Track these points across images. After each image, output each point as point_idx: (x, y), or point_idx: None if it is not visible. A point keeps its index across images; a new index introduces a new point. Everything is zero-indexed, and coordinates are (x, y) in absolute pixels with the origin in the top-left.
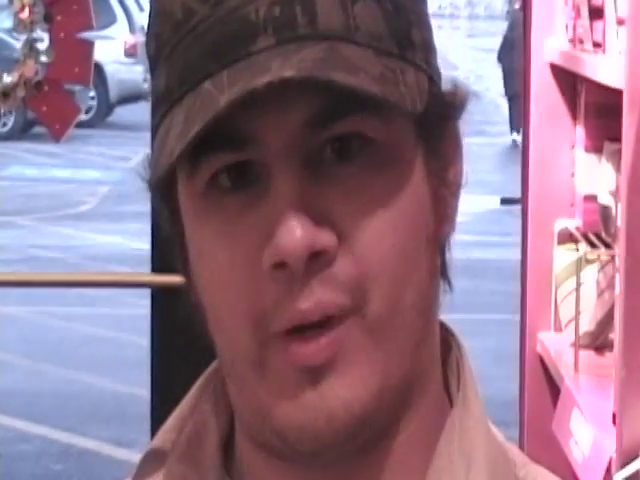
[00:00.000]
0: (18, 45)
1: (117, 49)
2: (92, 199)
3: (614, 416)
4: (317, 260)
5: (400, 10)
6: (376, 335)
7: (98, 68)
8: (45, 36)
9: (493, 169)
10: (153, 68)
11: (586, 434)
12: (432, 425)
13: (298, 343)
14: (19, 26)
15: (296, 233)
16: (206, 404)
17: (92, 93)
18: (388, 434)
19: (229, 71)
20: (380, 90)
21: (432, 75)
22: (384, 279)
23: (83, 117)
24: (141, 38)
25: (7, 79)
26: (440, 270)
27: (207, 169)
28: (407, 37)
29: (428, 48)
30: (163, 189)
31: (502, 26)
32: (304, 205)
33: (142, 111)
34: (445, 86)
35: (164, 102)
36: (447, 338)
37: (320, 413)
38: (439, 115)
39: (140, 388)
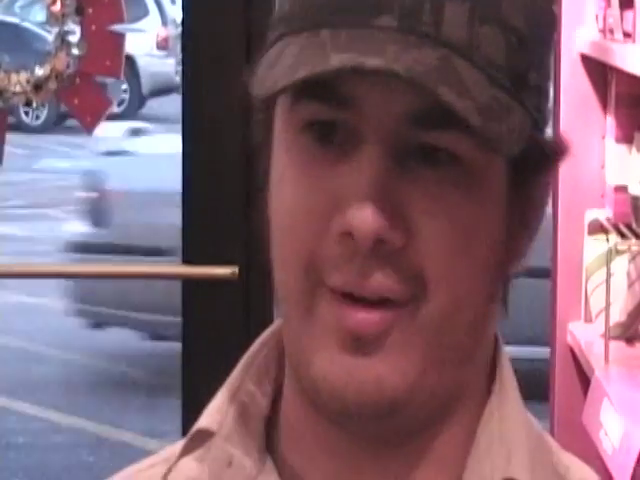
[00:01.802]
0: (50, 38)
1: (149, 42)
2: None
3: None
4: (382, 246)
5: (523, 48)
6: (425, 334)
7: (130, 61)
8: (77, 29)
9: None
10: None
11: (616, 425)
12: (472, 428)
13: (350, 307)
14: (51, 19)
15: (369, 216)
16: (250, 384)
17: (124, 86)
18: (426, 432)
19: (348, 33)
20: (481, 122)
21: (538, 122)
22: (444, 285)
23: (115, 109)
24: (173, 31)
25: (39, 72)
26: (500, 299)
27: (304, 113)
28: (523, 76)
29: (541, 94)
30: (262, 105)
31: None
32: (384, 192)
33: (174, 104)
34: (547, 136)
35: (283, 24)
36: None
37: (351, 380)
38: (534, 162)
39: (173, 379)
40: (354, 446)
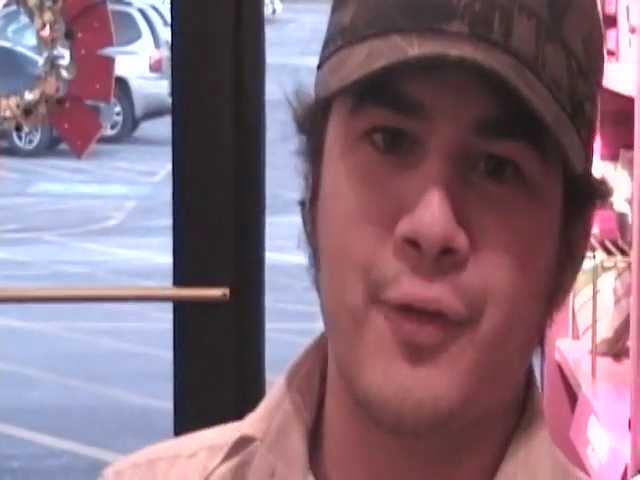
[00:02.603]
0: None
1: (142, 64)
2: (118, 214)
3: (630, 422)
4: (447, 257)
5: (582, 75)
6: (479, 352)
7: (123, 83)
8: (66, 53)
9: None
10: (341, 0)
11: (603, 441)
12: (498, 455)
13: (406, 318)
14: (41, 43)
15: (438, 219)
16: (295, 394)
17: (117, 108)
18: (464, 450)
19: (419, 35)
20: (555, 127)
21: (589, 156)
22: (502, 304)
23: (109, 132)
24: (166, 53)
25: (29, 96)
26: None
27: (367, 119)
28: (581, 104)
29: (592, 130)
30: (314, 119)
31: None
32: (451, 196)
33: (167, 126)
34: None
35: (343, 36)
36: (530, 371)
37: (409, 395)
38: (585, 196)
39: (168, 402)
40: (395, 467)
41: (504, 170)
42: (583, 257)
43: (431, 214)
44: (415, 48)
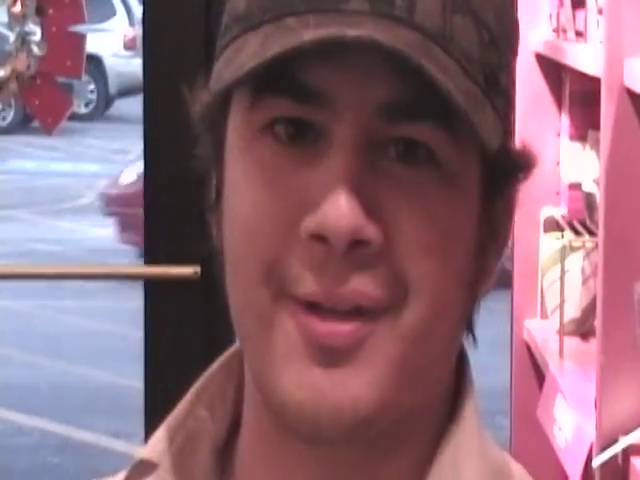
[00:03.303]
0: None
1: (116, 42)
2: (91, 192)
3: (595, 402)
4: (359, 249)
5: (494, 46)
6: (402, 345)
7: (97, 61)
8: (37, 30)
9: None
10: None
11: (569, 420)
12: (429, 453)
13: (316, 317)
14: (11, 20)
15: (345, 213)
16: (202, 410)
17: (91, 86)
18: (390, 452)
19: (315, 16)
20: (464, 104)
21: (507, 128)
22: (426, 288)
23: (83, 110)
24: (140, 31)
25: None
26: (467, 322)
27: (267, 110)
28: (495, 75)
29: (508, 99)
30: (214, 111)
31: None
32: (358, 186)
33: (142, 104)
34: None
35: (238, 24)
36: (462, 365)
37: (325, 399)
38: (504, 172)
39: (137, 380)
40: (314, 476)
41: (415, 153)
42: (506, 236)
43: (337, 208)
44: (310, 31)
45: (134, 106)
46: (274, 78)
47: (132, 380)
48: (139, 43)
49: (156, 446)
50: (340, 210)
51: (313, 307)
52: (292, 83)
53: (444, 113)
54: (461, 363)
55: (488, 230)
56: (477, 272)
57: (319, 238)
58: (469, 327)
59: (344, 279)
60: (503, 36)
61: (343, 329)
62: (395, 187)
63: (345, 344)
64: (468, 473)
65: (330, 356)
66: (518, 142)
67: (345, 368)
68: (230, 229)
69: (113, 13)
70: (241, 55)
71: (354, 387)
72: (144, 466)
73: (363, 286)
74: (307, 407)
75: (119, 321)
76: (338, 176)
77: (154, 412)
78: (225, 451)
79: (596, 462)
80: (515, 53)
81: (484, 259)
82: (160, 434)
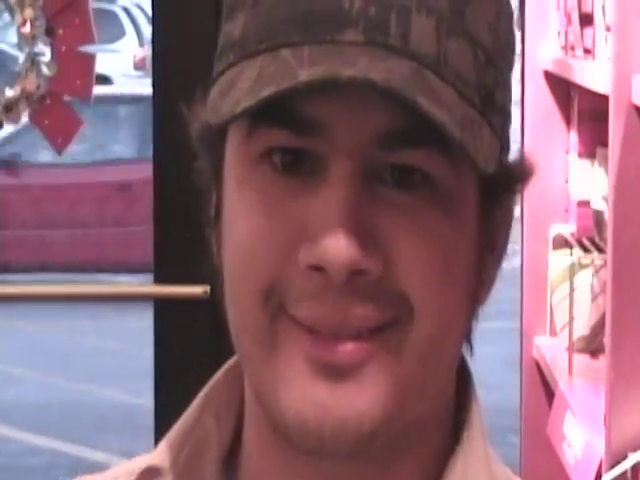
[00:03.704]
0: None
1: (126, 62)
2: None
3: (605, 418)
4: (359, 277)
5: (490, 64)
6: (408, 363)
7: (107, 81)
8: (47, 50)
9: None
10: (230, 10)
11: (578, 437)
12: (433, 464)
13: (317, 341)
14: (21, 40)
15: (344, 248)
16: (209, 418)
17: None
18: (393, 467)
19: (311, 49)
20: (460, 135)
21: (503, 144)
22: (430, 309)
23: None
24: (149, 51)
25: (9, 93)
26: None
27: (264, 140)
28: (491, 94)
29: (505, 115)
30: (211, 140)
31: None
32: (356, 218)
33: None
34: (511, 158)
35: (234, 50)
36: (464, 376)
37: (329, 415)
38: (501, 185)
39: (149, 399)
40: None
41: (412, 178)
42: (505, 244)
43: (336, 243)
44: (305, 70)
45: None
46: (270, 109)
47: (144, 399)
48: (149, 63)
49: (164, 453)
50: (339, 245)
51: (313, 331)
52: (289, 115)
53: (440, 139)
54: (462, 373)
55: (486, 241)
56: (477, 283)
57: (317, 269)
58: (467, 336)
59: (345, 307)
60: (499, 52)
61: (346, 348)
62: (393, 213)
63: (349, 362)
64: None
65: (334, 373)
66: (517, 152)
67: (349, 384)
68: (228, 253)
69: (123, 33)
70: (236, 89)
71: (359, 403)
72: (152, 473)
73: (365, 312)
74: (311, 423)
75: (131, 340)
76: (336, 208)
77: (164, 430)
78: (230, 459)
79: (605, 479)
80: (511, 66)
81: (484, 271)
82: (168, 441)
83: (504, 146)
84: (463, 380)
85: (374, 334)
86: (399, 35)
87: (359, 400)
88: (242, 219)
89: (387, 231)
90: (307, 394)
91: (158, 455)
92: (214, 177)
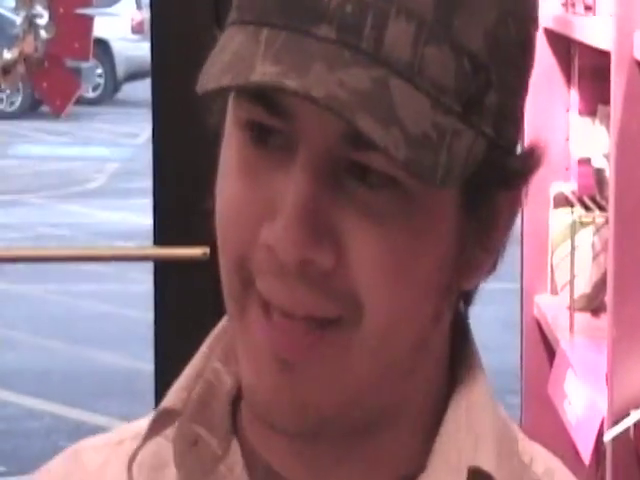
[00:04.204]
0: (19, 22)
1: (124, 26)
2: (100, 176)
3: (606, 376)
4: (310, 267)
5: (479, 71)
6: (359, 356)
7: (105, 45)
8: (45, 12)
9: None
10: None
11: (580, 395)
12: (435, 420)
13: (277, 321)
14: (19, 3)
15: (293, 237)
16: (216, 362)
17: (99, 70)
18: (380, 431)
19: (286, 38)
20: (408, 154)
21: (498, 143)
22: (379, 308)
23: (91, 94)
24: (147, 15)
25: (7, 55)
26: (456, 320)
27: (245, 111)
28: (477, 99)
29: (503, 115)
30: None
31: None
32: (312, 209)
33: (149, 88)
34: (510, 154)
35: (236, 11)
36: (462, 328)
37: (277, 400)
38: (490, 184)
39: (149, 363)
40: (304, 447)
41: (374, 177)
42: (501, 241)
43: (285, 231)
44: (264, 66)
45: (142, 90)
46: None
47: (144, 363)
48: (146, 27)
49: (177, 395)
50: (288, 233)
51: (270, 311)
52: (264, 96)
53: None
54: (462, 340)
55: (476, 239)
56: (459, 274)
57: (272, 250)
58: (464, 316)
59: (297, 292)
60: (497, 57)
61: (300, 336)
62: (352, 209)
63: (298, 348)
64: (483, 432)
65: (285, 364)
66: (527, 141)
67: (299, 373)
68: (217, 212)
69: None
70: (218, 61)
71: (307, 393)
72: (167, 415)
73: (314, 302)
74: (262, 405)
75: (131, 304)
76: (294, 196)
77: (165, 393)
78: (237, 400)
79: (608, 436)
80: (522, 67)
81: (471, 264)
82: (180, 385)
83: (501, 144)
84: (461, 345)
85: (320, 329)
86: (372, 38)
87: (305, 389)
88: (228, 178)
89: (344, 227)
90: (262, 378)
91: (171, 399)
92: (219, 128)
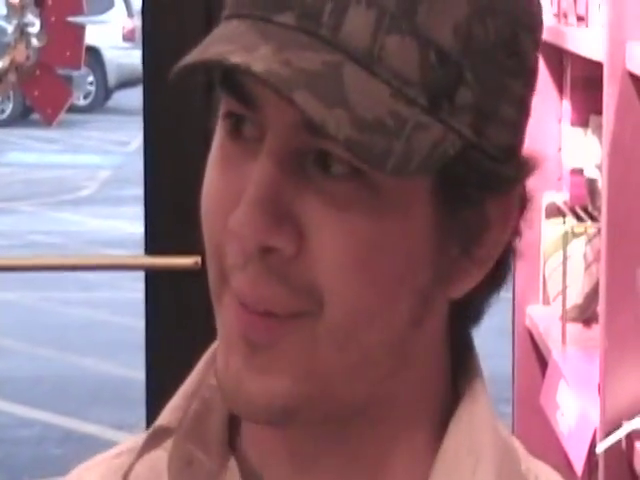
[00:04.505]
0: (10, 30)
1: (115, 34)
2: (92, 184)
3: (599, 387)
4: (271, 254)
5: (447, 64)
6: (324, 347)
7: (96, 53)
8: (36, 20)
9: None
10: None
11: (572, 406)
12: (436, 434)
13: (243, 310)
14: (10, 11)
15: (250, 222)
16: (212, 378)
17: (90, 78)
18: (367, 435)
19: (251, 24)
20: (349, 136)
21: (482, 145)
22: (339, 300)
23: (81, 102)
24: (138, 22)
25: None
26: (458, 333)
27: (225, 102)
28: (447, 94)
29: (484, 116)
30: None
31: None
32: (272, 195)
33: (140, 96)
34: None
35: (227, 7)
36: (464, 339)
37: (241, 388)
38: (474, 186)
39: (140, 372)
40: (297, 444)
41: (338, 166)
42: (489, 251)
43: (244, 216)
44: (213, 48)
45: (133, 98)
46: (225, 77)
47: (135, 371)
48: (137, 35)
49: (172, 414)
50: (247, 218)
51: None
52: (234, 84)
53: None
54: (463, 347)
55: (456, 243)
56: (437, 281)
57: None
58: (467, 329)
59: (260, 284)
60: (469, 51)
61: (259, 326)
62: (317, 198)
63: (261, 340)
64: (484, 453)
65: (251, 347)
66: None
67: (263, 359)
68: (202, 201)
69: (111, 5)
70: (189, 54)
71: (269, 382)
72: (161, 432)
73: (273, 294)
74: (228, 392)
75: (122, 313)
76: (256, 183)
77: (156, 402)
78: (235, 419)
79: (600, 448)
80: (491, 61)
81: (454, 270)
82: (175, 402)
83: (483, 147)
84: (462, 352)
85: (285, 320)
86: (331, 25)
87: (269, 376)
88: (208, 172)
89: (306, 215)
90: (229, 363)
91: (166, 416)
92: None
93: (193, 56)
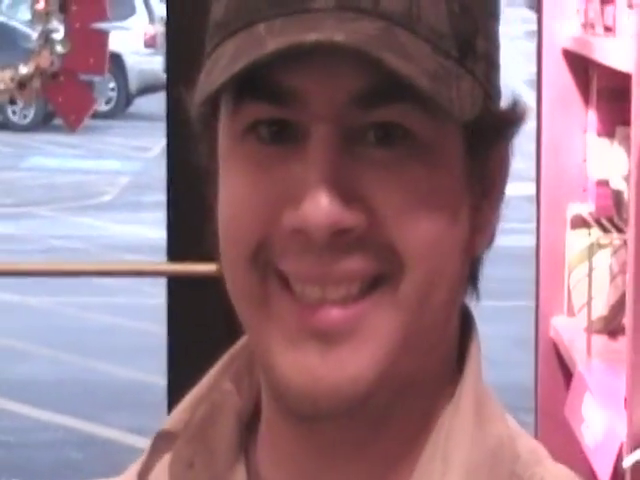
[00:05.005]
0: (35, 36)
1: (137, 40)
2: (112, 189)
3: (625, 400)
4: (343, 236)
5: (467, 14)
6: (402, 315)
7: (118, 59)
8: (61, 27)
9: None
10: None
11: (598, 419)
12: (421, 425)
13: (310, 305)
14: (35, 17)
15: (324, 209)
16: (227, 383)
17: (112, 84)
18: (385, 426)
19: (283, 20)
20: (430, 86)
21: (489, 91)
22: (419, 257)
23: (103, 108)
24: (160, 29)
25: (23, 70)
26: (469, 282)
27: (248, 114)
28: (470, 43)
29: (490, 63)
30: (206, 118)
31: (522, 13)
32: (337, 178)
33: (162, 102)
34: (503, 104)
35: (218, 32)
36: (469, 328)
37: (322, 384)
38: (491, 132)
39: (161, 377)
40: (315, 453)
41: (391, 134)
42: (501, 191)
43: (316, 205)
44: (274, 39)
45: (154, 103)
46: (251, 84)
47: (156, 377)
48: (159, 41)
49: (177, 418)
50: (319, 206)
51: (301, 297)
52: (267, 87)
53: (413, 93)
54: (466, 327)
55: (480, 188)
56: (472, 232)
57: (300, 232)
58: (473, 284)
59: (329, 262)
60: (476, 2)
61: (333, 315)
62: (375, 170)
63: (338, 328)
64: (455, 463)
65: (324, 340)
66: (510, 98)
67: (340, 350)
68: (220, 221)
69: (133, 11)
70: (216, 67)
71: (351, 367)
72: (166, 438)
73: (351, 264)
74: (304, 391)
75: (143, 317)
76: (317, 172)
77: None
78: (252, 425)
79: (627, 462)
80: (494, 16)
81: (479, 218)
82: (182, 406)
83: (491, 93)
84: (466, 333)
85: (365, 293)
86: None
87: (352, 365)
88: (228, 189)
89: (370, 187)
90: (299, 362)
91: (171, 421)
92: (211, 153)
93: (246, 58)
